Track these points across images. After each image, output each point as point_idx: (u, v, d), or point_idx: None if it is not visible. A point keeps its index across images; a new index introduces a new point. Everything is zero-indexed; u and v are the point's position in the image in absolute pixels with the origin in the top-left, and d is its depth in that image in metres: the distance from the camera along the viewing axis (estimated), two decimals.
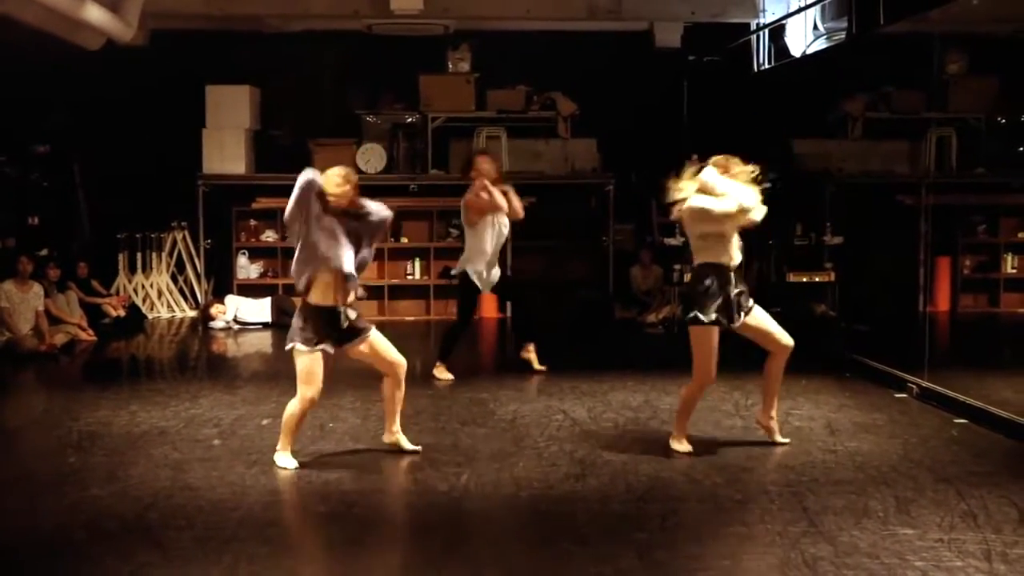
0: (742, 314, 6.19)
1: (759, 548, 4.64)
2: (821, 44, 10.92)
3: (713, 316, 6.07)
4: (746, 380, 8.38)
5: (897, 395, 7.91)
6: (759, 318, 6.31)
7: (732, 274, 6.14)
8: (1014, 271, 13.25)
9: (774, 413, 6.53)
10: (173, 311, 12.98)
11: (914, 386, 7.86)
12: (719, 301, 6.08)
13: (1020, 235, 13.32)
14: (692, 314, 6.13)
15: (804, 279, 12.10)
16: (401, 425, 6.34)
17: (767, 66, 11.95)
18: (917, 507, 5.21)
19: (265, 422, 7.06)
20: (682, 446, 6.30)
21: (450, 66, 13.19)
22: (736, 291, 6.14)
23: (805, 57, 11.13)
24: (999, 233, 13.27)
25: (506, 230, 8.74)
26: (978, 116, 13.19)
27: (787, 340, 6.34)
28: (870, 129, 13.28)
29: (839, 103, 13.14)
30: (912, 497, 5.37)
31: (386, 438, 6.33)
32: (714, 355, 6.15)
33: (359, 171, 12.85)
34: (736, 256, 6.17)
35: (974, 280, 13.35)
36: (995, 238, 13.26)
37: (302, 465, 5.96)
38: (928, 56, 13.31)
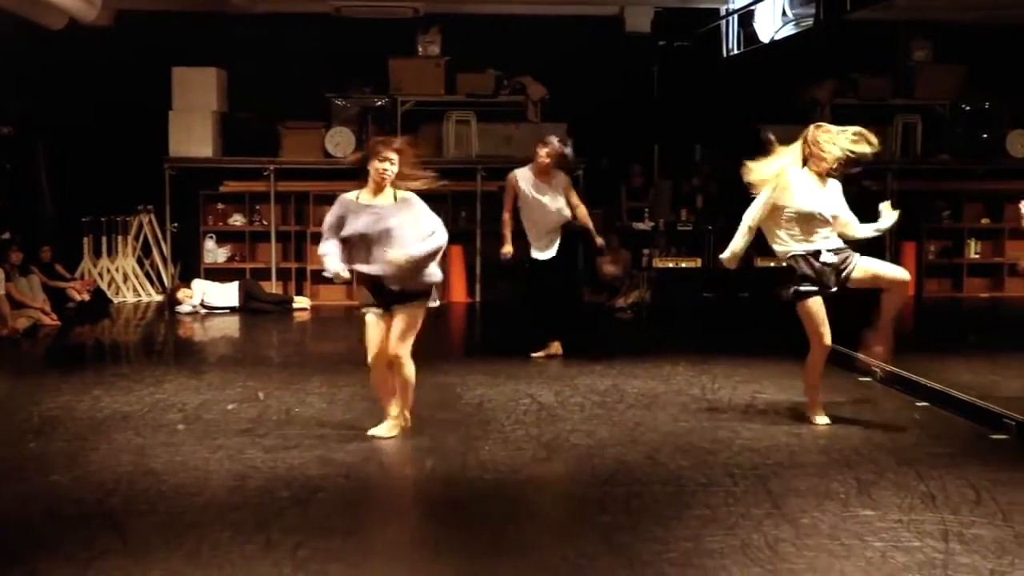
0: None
1: (722, 530, 4.67)
2: (789, 30, 10.96)
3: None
4: (713, 364, 8.46)
5: (861, 379, 7.97)
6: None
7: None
8: (977, 256, 13.40)
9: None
10: (139, 295, 12.88)
11: (878, 370, 7.92)
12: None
13: (983, 221, 13.46)
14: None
15: (771, 264, 12.13)
16: (367, 411, 6.35)
17: (736, 52, 11.99)
18: (878, 489, 5.26)
19: (231, 407, 7.03)
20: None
21: (420, 50, 13.14)
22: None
23: (773, 43, 11.17)
24: (963, 219, 13.40)
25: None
26: (943, 103, 13.31)
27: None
28: (837, 115, 13.24)
29: (807, 89, 13.19)
30: (873, 479, 5.42)
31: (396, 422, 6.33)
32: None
33: (327, 155, 12.87)
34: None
35: (938, 265, 13.48)
36: (959, 224, 13.39)
37: (266, 450, 5.94)
38: (895, 43, 13.42)
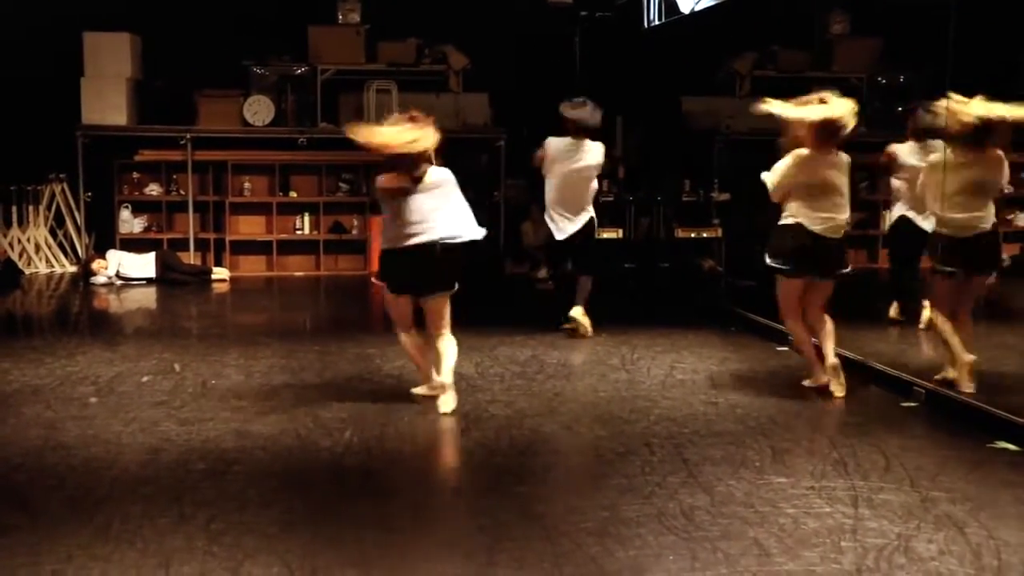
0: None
1: (638, 499, 4.71)
2: (709, 2, 11.00)
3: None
4: (633, 335, 8.52)
5: (779, 348, 8.09)
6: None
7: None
8: None
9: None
10: (52, 266, 12.56)
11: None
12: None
13: None
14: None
15: (692, 235, 12.29)
16: (285, 383, 6.29)
17: (657, 23, 12.00)
18: (792, 456, 5.35)
19: (145, 379, 6.90)
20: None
21: (340, 17, 12.94)
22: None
23: (694, 14, 11.20)
24: (878, 191, 13.63)
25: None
26: (860, 76, 13.51)
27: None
28: (757, 87, 13.43)
29: (727, 61, 13.29)
30: (788, 447, 5.51)
31: (419, 390, 6.50)
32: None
33: (245, 123, 12.65)
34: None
35: (854, 237, 13.67)
36: (874, 196, 13.62)
37: (180, 423, 5.84)
38: (813, 16, 13.59)
